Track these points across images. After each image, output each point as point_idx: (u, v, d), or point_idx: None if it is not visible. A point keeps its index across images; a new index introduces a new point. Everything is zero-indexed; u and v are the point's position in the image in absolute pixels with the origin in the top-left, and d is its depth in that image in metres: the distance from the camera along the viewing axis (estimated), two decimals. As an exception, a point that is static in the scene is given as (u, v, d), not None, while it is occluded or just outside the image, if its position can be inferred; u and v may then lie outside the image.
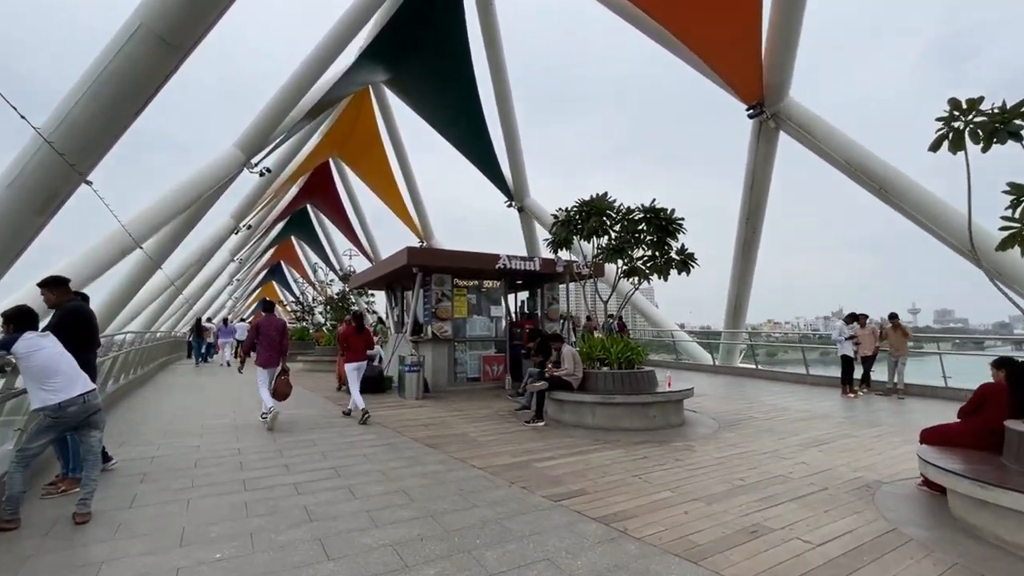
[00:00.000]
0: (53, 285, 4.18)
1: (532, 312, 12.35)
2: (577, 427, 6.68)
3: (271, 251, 49.42)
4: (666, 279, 7.89)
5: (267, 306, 7.68)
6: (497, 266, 10.13)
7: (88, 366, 4.13)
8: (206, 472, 4.64)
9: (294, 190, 34.78)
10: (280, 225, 42.29)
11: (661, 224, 7.43)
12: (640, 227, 7.70)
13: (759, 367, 13.08)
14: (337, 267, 33.16)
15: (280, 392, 6.91)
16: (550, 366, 7.76)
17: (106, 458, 4.78)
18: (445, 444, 5.75)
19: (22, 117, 5.59)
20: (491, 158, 18.41)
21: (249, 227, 25.05)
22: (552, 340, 7.74)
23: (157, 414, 7.71)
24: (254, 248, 38.78)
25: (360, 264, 31.49)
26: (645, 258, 7.92)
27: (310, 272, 49.53)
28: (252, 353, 7.14)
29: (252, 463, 4.96)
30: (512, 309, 12.14)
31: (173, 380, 13.03)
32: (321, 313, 26.55)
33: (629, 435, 6.25)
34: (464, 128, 18.29)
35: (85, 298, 4.89)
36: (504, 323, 11.19)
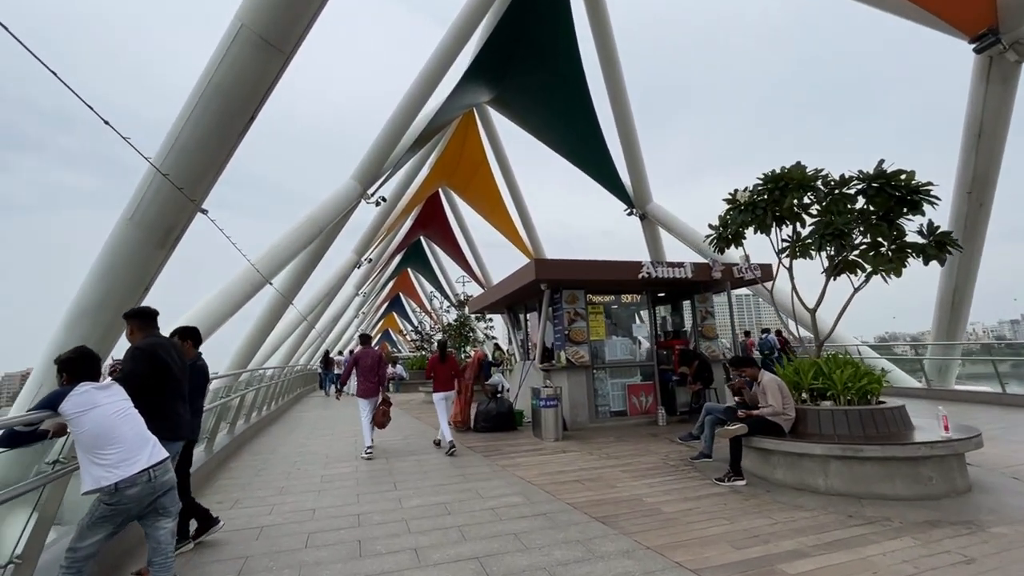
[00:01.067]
0: (133, 317, 3.37)
1: (678, 329, 10.33)
2: (800, 491, 4.64)
3: (390, 284, 52.30)
4: (899, 274, 5.58)
5: (363, 339, 8.05)
6: (640, 275, 8.40)
7: (169, 419, 3.23)
8: (316, 558, 3.51)
9: (408, 223, 36.21)
10: (397, 259, 44.49)
11: (897, 195, 5.20)
12: (855, 204, 5.54)
13: (1007, 390, 9.58)
14: (451, 294, 33.54)
15: (379, 421, 7.11)
16: (736, 398, 5.80)
17: (211, 521, 3.91)
18: (620, 518, 4.11)
19: (138, 152, 5.22)
20: (607, 163, 16.81)
21: (370, 260, 25.99)
22: (743, 365, 5.79)
23: (281, 458, 7.08)
24: (375, 282, 40.99)
25: (473, 291, 31.45)
26: (864, 246, 5.69)
27: (426, 302, 51.48)
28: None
29: (373, 542, 3.76)
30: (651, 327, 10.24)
31: (304, 414, 13.01)
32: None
33: (895, 508, 4.09)
34: (577, 134, 16.97)
35: (191, 336, 4.11)
36: (647, 344, 9.33)
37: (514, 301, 10.85)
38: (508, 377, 11.52)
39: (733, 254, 7.65)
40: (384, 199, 15.12)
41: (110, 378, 2.99)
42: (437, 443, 7.48)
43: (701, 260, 9.02)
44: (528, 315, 10.74)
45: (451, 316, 24.42)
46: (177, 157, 5.30)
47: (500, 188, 26.38)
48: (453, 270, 44.14)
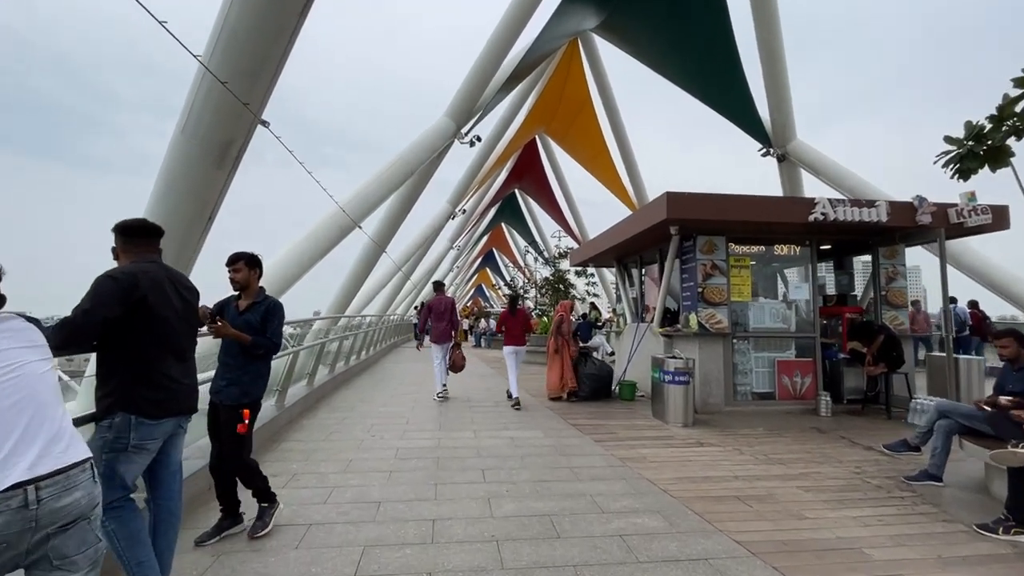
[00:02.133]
0: (118, 232, 2.28)
1: (844, 293, 7.94)
2: None
3: (484, 239, 52.06)
4: None
5: (436, 286, 8.22)
6: (811, 216, 6.22)
7: (153, 385, 2.13)
8: (365, 604, 2.33)
9: (503, 175, 34.98)
10: (492, 212, 43.76)
11: None
12: None
13: None
14: (544, 250, 32.09)
15: (456, 364, 7.45)
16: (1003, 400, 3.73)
17: (270, 498, 3.03)
18: (848, 593, 2.47)
19: (176, 40, 4.17)
20: (744, 93, 13.85)
21: (464, 211, 25.21)
22: (1013, 338, 3.67)
23: (359, 418, 6.24)
24: (470, 236, 40.69)
25: (569, 246, 29.68)
26: None
27: (519, 257, 50.68)
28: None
29: (448, 566, 2.52)
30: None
31: (394, 366, 12.53)
32: (534, 297, 25.51)
33: None
34: (708, 60, 14.12)
35: (251, 263, 3.08)
36: (808, 310, 7.16)
37: (626, 252, 9.07)
38: (615, 342, 9.94)
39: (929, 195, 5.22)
40: (479, 139, 13.77)
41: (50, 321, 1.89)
42: (509, 396, 7.30)
43: (900, 200, 6.54)
44: (645, 269, 8.92)
45: (545, 272, 23.10)
46: (224, 52, 4.23)
47: (604, 132, 23.86)
48: (548, 225, 42.53)
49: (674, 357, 6.09)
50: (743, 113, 14.62)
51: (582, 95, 22.82)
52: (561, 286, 13.00)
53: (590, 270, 13.66)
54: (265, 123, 4.90)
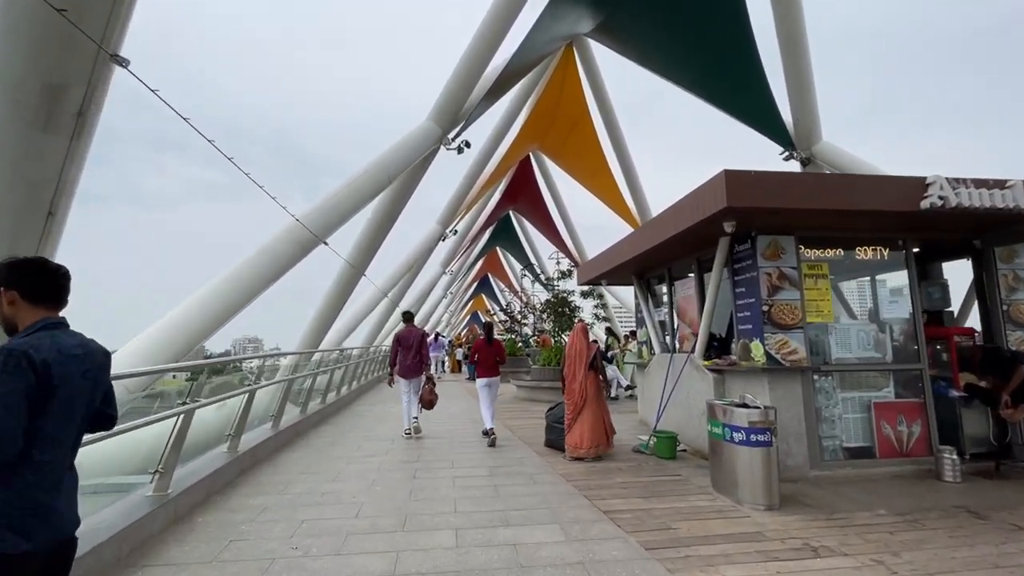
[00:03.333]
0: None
1: (936, 309, 6.16)
2: None
3: (478, 264, 50.45)
4: None
5: (406, 316, 7.62)
6: (924, 202, 4.48)
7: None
8: None
9: (496, 197, 33.64)
10: (485, 237, 42.31)
11: None
12: None
13: None
14: (542, 272, 30.41)
15: (425, 400, 6.97)
16: None
17: None
18: None
19: None
20: (763, 94, 12.41)
21: (455, 232, 23.59)
22: None
23: (280, 518, 4.28)
24: (464, 260, 39.06)
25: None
26: None
27: (515, 281, 49.01)
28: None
29: None
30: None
31: (369, 410, 10.56)
32: (533, 324, 23.61)
33: None
34: (722, 59, 12.72)
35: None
36: (907, 332, 5.36)
37: (649, 264, 7.31)
38: (638, 376, 8.10)
39: None
40: (468, 144, 12.15)
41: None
42: (485, 433, 6.71)
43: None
44: (675, 284, 7.14)
45: (541, 296, 21.40)
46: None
47: (603, 146, 22.48)
48: (544, 248, 41.06)
49: (745, 405, 4.24)
50: (763, 114, 13.16)
51: (578, 106, 21.51)
52: (565, 309, 11.21)
53: (599, 290, 11.88)
54: (121, 60, 3.15)
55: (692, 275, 6.46)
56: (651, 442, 5.88)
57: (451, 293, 44.65)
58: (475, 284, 60.40)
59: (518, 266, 50.97)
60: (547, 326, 12.71)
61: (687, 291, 6.62)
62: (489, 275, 57.49)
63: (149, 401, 6.31)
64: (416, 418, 6.99)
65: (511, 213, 40.19)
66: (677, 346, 6.75)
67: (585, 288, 11.76)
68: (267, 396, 7.33)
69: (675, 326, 6.99)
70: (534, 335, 23.55)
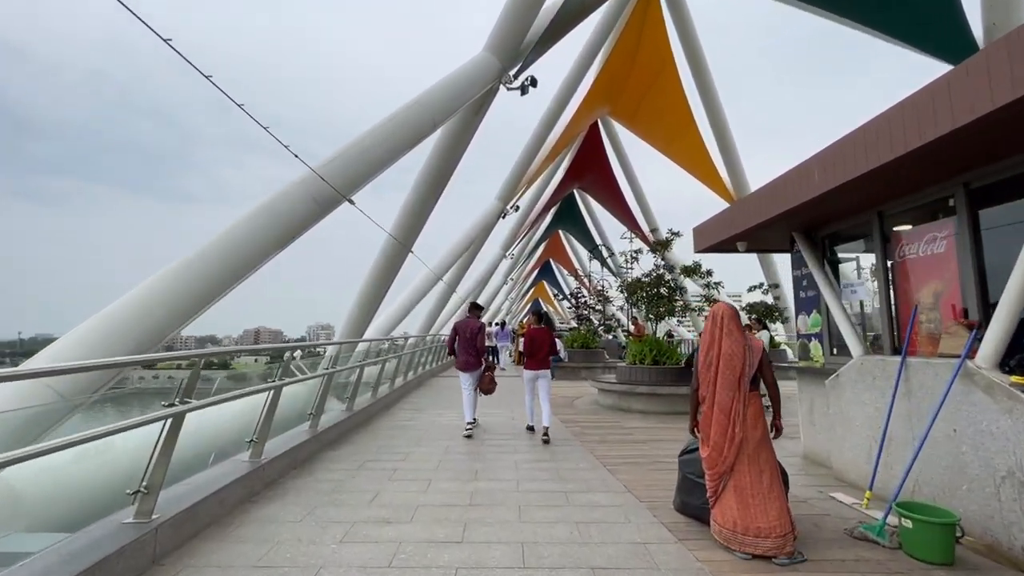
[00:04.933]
0: None
1: None
2: None
3: (540, 248, 47.92)
4: None
5: (472, 307, 7.38)
6: None
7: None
8: None
9: (559, 175, 30.97)
10: (548, 219, 39.76)
11: None
12: None
13: None
14: (610, 255, 27.34)
15: (484, 388, 6.82)
16: None
17: None
18: None
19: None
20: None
21: (516, 208, 21.21)
22: None
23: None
24: (525, 244, 36.70)
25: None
26: None
27: (579, 267, 46.05)
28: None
29: None
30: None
31: (413, 419, 8.44)
32: (607, 315, 20.88)
33: None
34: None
35: None
36: None
37: (836, 208, 4.48)
38: (824, 396, 5.30)
39: None
40: (534, 82, 9.63)
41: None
42: (531, 428, 6.56)
43: None
44: (895, 240, 4.26)
45: (611, 282, 18.67)
46: None
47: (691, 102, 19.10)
48: (614, 230, 37.92)
49: None
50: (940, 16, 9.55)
51: (660, 56, 18.30)
52: (660, 291, 8.47)
53: (705, 266, 9.00)
54: None
55: (947, 217, 3.61)
56: (891, 527, 3.16)
57: (511, 280, 42.54)
58: (536, 271, 57.98)
59: (583, 252, 48.02)
60: (639, 313, 9.99)
61: (932, 247, 3.76)
62: (551, 260, 54.86)
63: (234, 382, 5.80)
64: (471, 422, 6.48)
65: (575, 193, 37.26)
66: (903, 344, 3.92)
67: (689, 264, 8.95)
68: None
69: (894, 311, 4.14)
70: (603, 324, 20.83)
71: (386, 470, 4.73)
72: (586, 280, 30.41)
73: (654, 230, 20.03)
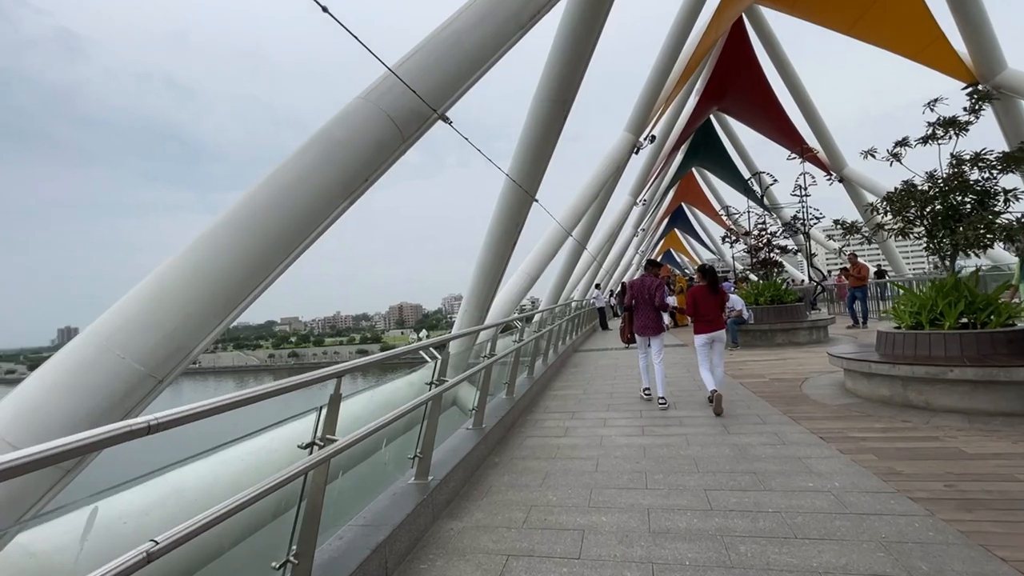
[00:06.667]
0: None
1: None
2: None
3: (671, 192, 42.52)
4: None
5: (649, 265, 6.66)
6: None
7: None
8: None
9: (692, 100, 26.08)
10: (679, 157, 34.62)
11: None
12: None
13: None
14: (772, 183, 22.05)
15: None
16: None
17: None
18: None
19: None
20: None
21: (653, 139, 17.58)
22: None
23: None
24: (655, 187, 32.22)
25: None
26: None
27: (719, 208, 39.87)
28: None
29: None
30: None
31: (560, 422, 6.11)
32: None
33: None
34: None
35: None
36: None
37: None
38: None
39: None
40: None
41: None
42: (710, 399, 5.35)
43: None
44: None
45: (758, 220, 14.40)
46: None
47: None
48: (767, 155, 31.77)
49: None
50: None
51: None
52: (966, 198, 4.79)
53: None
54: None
55: None
56: None
57: (642, 230, 38.27)
58: (666, 220, 52.22)
59: (724, 190, 41.61)
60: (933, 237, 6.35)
61: None
62: (683, 205, 48.88)
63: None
64: (663, 399, 5.72)
65: (712, 120, 31.57)
66: None
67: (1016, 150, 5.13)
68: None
69: None
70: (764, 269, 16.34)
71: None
72: (728, 221, 25.61)
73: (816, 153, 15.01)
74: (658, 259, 67.88)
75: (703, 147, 33.14)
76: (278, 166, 3.81)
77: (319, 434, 2.07)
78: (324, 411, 2.09)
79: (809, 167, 19.89)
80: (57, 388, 2.95)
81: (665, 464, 3.86)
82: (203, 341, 3.37)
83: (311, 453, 2.05)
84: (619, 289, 18.50)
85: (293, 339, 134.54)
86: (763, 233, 12.11)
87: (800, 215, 17.15)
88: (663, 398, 5.68)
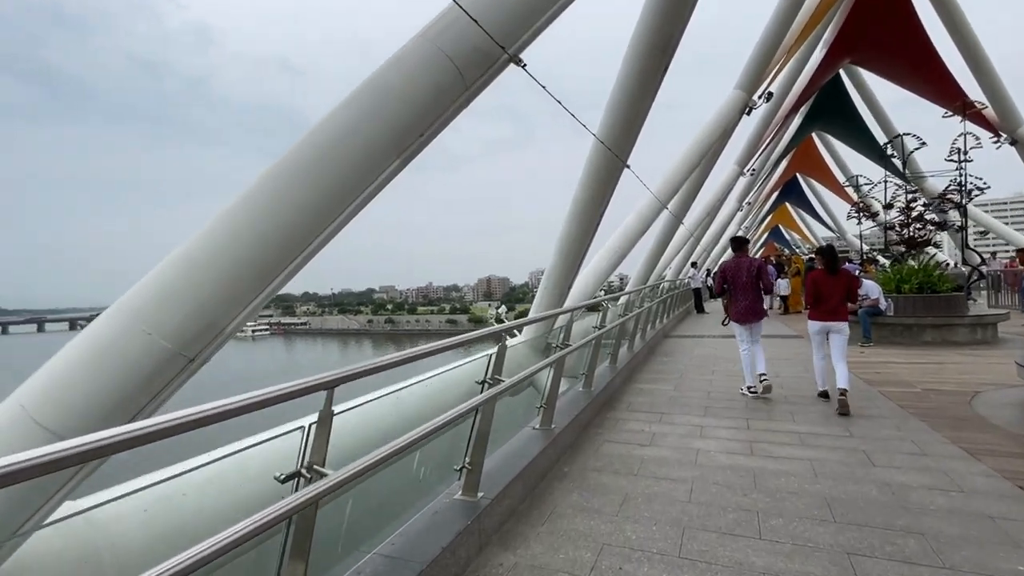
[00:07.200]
0: None
1: None
2: None
3: (784, 162, 37.89)
4: None
5: (736, 243, 6.16)
6: None
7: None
8: None
9: (819, 52, 22.70)
10: (797, 120, 30.66)
11: None
12: None
13: None
14: (917, 147, 18.40)
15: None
16: None
17: None
18: None
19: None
20: None
21: (769, 96, 15.39)
22: None
23: None
24: (765, 157, 28.75)
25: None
26: None
27: (842, 178, 34.81)
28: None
29: None
30: None
31: (643, 427, 5.27)
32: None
33: None
34: None
35: None
36: None
37: None
38: None
39: None
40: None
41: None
42: (823, 395, 5.07)
43: None
44: None
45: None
46: None
47: None
48: (899, 116, 27.10)
49: None
50: None
51: None
52: None
53: None
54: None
55: None
56: None
57: (747, 203, 34.59)
58: (776, 192, 46.91)
59: (849, 157, 36.34)
60: None
61: None
62: (798, 176, 43.55)
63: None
64: (765, 375, 5.32)
65: (841, 74, 27.26)
66: None
67: None
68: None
69: None
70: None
71: None
72: (855, 194, 22.47)
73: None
74: (763, 236, 61.82)
75: (828, 108, 28.86)
76: (317, 123, 3.34)
77: (304, 462, 1.52)
78: (311, 432, 1.53)
79: (971, 126, 16.33)
80: (84, 365, 2.75)
81: (784, 503, 2.96)
82: (237, 317, 3.04)
83: (296, 489, 1.51)
84: (716, 268, 16.91)
85: (389, 307, 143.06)
86: (913, 206, 9.93)
87: (956, 185, 14.09)
88: (764, 374, 5.32)
